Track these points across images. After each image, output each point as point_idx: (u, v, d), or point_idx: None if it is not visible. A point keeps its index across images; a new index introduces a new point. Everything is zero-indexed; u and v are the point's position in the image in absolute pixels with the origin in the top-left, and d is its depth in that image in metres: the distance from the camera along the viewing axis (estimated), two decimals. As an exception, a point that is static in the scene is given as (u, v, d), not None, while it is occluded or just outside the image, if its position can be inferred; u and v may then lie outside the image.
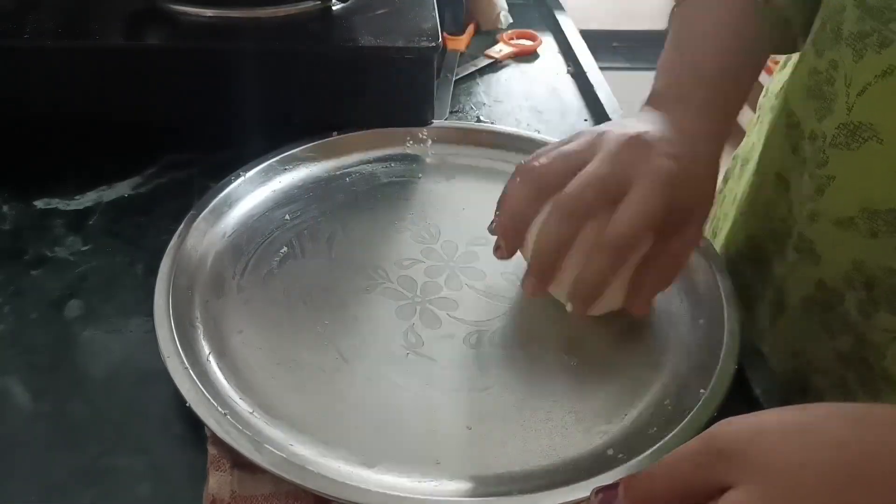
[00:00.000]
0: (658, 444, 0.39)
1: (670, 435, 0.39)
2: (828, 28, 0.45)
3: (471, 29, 0.82)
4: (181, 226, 0.50)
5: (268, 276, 0.49)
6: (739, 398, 0.43)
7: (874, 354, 0.44)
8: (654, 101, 0.48)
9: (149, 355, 0.42)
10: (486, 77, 0.75)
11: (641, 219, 0.40)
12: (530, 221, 0.43)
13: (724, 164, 0.62)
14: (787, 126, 0.50)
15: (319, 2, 0.61)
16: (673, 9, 0.52)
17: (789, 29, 0.50)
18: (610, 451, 0.40)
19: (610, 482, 0.32)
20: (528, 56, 0.80)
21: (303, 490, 0.36)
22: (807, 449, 0.27)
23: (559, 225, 0.42)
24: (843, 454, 0.27)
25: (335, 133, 0.59)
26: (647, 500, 0.30)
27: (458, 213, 0.55)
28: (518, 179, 0.44)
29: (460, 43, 0.79)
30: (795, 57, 0.53)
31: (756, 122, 0.61)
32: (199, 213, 0.51)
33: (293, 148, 0.58)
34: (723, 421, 0.29)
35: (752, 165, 0.56)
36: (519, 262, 0.46)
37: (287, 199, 0.55)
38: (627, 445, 0.40)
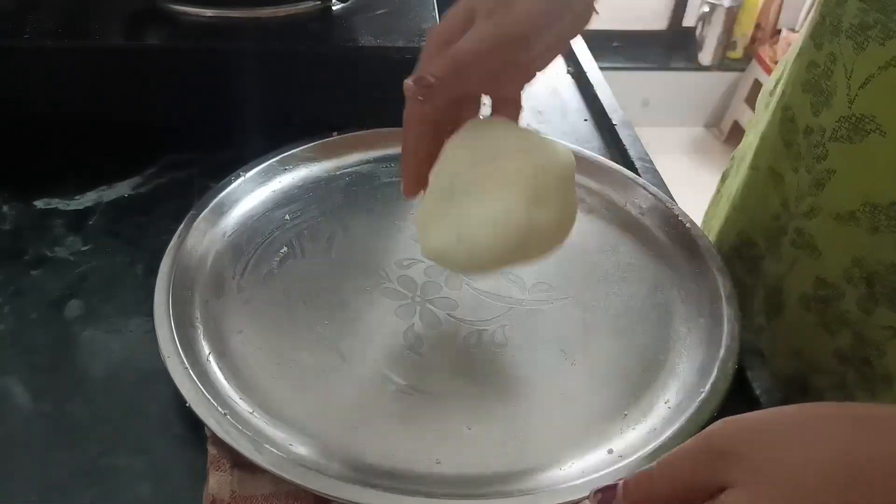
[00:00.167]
0: (657, 444, 0.39)
1: (670, 434, 0.39)
2: (827, 21, 0.44)
3: (471, 29, 0.82)
4: (181, 226, 0.50)
5: (268, 276, 0.49)
6: (739, 398, 0.43)
7: (874, 352, 0.44)
8: None
9: (149, 355, 0.42)
10: (486, 77, 0.75)
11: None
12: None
13: (723, 165, 0.63)
14: (782, 121, 0.50)
15: (319, 2, 0.61)
16: None
17: None
18: (610, 451, 0.40)
19: (609, 482, 0.32)
20: (528, 56, 0.79)
21: (303, 490, 0.36)
22: (806, 448, 0.27)
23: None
24: (842, 454, 0.27)
25: (335, 133, 0.59)
26: (646, 500, 0.30)
27: (458, 213, 0.55)
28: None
29: (460, 43, 0.79)
30: (791, 55, 0.52)
31: (755, 122, 0.61)
32: (199, 213, 0.51)
33: (293, 148, 0.58)
34: (721, 420, 0.29)
35: (746, 162, 0.55)
36: None
37: (287, 200, 0.55)
38: (627, 445, 0.40)
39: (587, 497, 0.35)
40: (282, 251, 0.51)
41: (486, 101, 0.48)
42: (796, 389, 0.49)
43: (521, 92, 0.46)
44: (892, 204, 0.40)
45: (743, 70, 2.38)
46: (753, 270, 0.53)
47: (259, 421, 0.40)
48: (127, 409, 0.42)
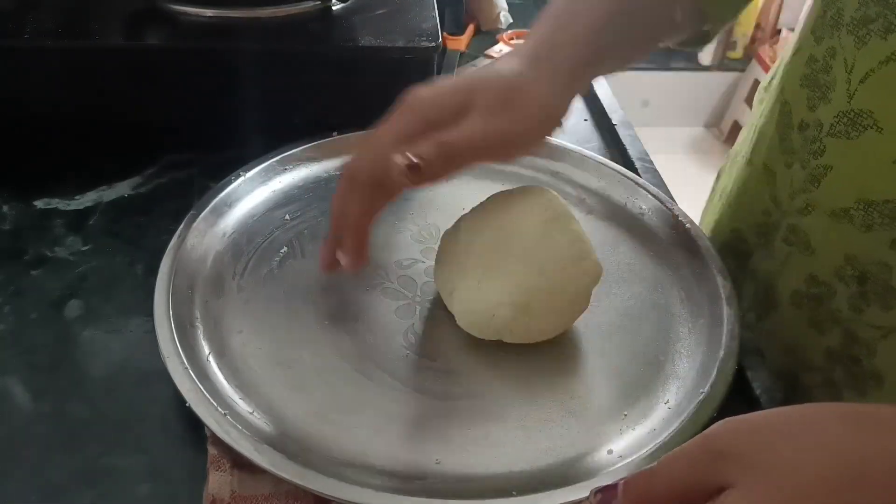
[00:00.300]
0: (657, 444, 0.39)
1: (670, 435, 0.39)
2: (828, 15, 0.44)
3: (471, 29, 0.82)
4: (181, 226, 0.50)
5: (268, 276, 0.49)
6: (739, 398, 0.43)
7: (863, 351, 0.44)
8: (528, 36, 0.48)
9: (149, 355, 0.42)
10: (486, 77, 0.75)
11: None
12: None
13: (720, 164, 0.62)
14: (779, 115, 0.49)
15: (319, 2, 0.61)
16: None
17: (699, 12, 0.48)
18: (610, 451, 0.40)
19: (609, 482, 0.32)
20: (528, 56, 0.79)
21: (302, 490, 0.36)
22: (804, 449, 0.27)
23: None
24: (840, 454, 0.27)
25: (335, 133, 0.59)
26: (645, 500, 0.30)
27: (458, 214, 0.55)
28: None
29: (460, 43, 0.79)
30: (789, 50, 0.52)
31: (750, 122, 0.60)
32: (199, 213, 0.51)
33: (293, 148, 0.58)
34: (721, 421, 0.29)
35: (741, 158, 0.55)
36: None
37: (287, 200, 0.55)
38: (627, 445, 0.40)
39: (587, 497, 0.35)
40: (282, 251, 0.51)
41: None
42: (787, 386, 0.49)
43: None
44: (887, 201, 0.40)
45: (743, 70, 2.38)
46: (742, 267, 0.53)
47: (259, 421, 0.40)
48: (127, 409, 0.42)
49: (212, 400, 0.39)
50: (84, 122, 0.59)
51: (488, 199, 0.46)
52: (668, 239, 0.53)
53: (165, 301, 0.44)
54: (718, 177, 0.62)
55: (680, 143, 2.45)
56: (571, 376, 0.44)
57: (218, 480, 0.37)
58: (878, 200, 0.41)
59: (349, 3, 0.63)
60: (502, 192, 0.46)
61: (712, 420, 0.40)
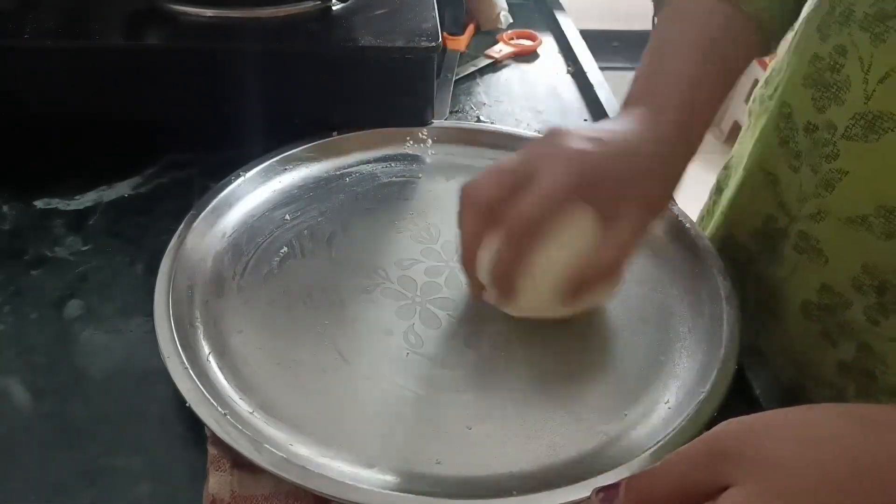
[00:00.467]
0: (658, 444, 0.39)
1: (670, 434, 0.39)
2: (836, 11, 0.42)
3: (471, 29, 0.82)
4: (181, 226, 0.50)
5: (268, 276, 0.49)
6: (739, 398, 0.43)
7: (879, 366, 0.42)
8: (624, 106, 0.47)
9: (149, 355, 0.42)
10: (486, 77, 0.75)
11: (543, 199, 0.39)
12: (482, 244, 0.42)
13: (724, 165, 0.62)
14: (778, 118, 0.48)
15: (319, 2, 0.61)
16: (654, 15, 0.52)
17: (762, 30, 0.47)
18: (610, 451, 0.40)
19: (610, 482, 0.32)
20: (528, 56, 0.80)
21: (303, 490, 0.36)
22: (808, 448, 0.27)
23: (472, 223, 0.41)
24: (844, 454, 0.27)
25: (335, 133, 0.59)
26: (647, 500, 0.30)
27: (458, 213, 0.55)
28: (465, 212, 0.43)
29: (460, 43, 0.79)
30: (785, 50, 0.51)
31: (747, 129, 0.59)
32: (199, 213, 0.51)
33: (293, 148, 0.58)
34: (725, 422, 0.29)
35: (740, 167, 0.54)
36: None
37: (287, 200, 0.55)
38: (627, 445, 0.40)
39: (588, 497, 0.35)
40: (282, 251, 0.51)
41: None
42: (792, 398, 0.48)
43: None
44: None
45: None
46: (743, 276, 0.51)
47: (259, 421, 0.40)
48: (127, 409, 0.42)
49: (212, 400, 0.39)
50: (84, 122, 0.59)
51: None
52: (668, 239, 0.53)
53: (165, 301, 0.44)
54: (719, 190, 0.61)
55: (680, 143, 2.44)
56: (572, 376, 0.44)
57: (218, 480, 0.37)
58: None
59: (349, 3, 0.63)
60: None
61: (713, 420, 0.40)
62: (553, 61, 0.79)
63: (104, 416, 0.41)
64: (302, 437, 0.39)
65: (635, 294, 0.50)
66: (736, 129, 2.37)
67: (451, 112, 0.68)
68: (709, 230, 0.58)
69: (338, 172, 0.58)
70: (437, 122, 0.62)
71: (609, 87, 0.72)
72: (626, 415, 0.42)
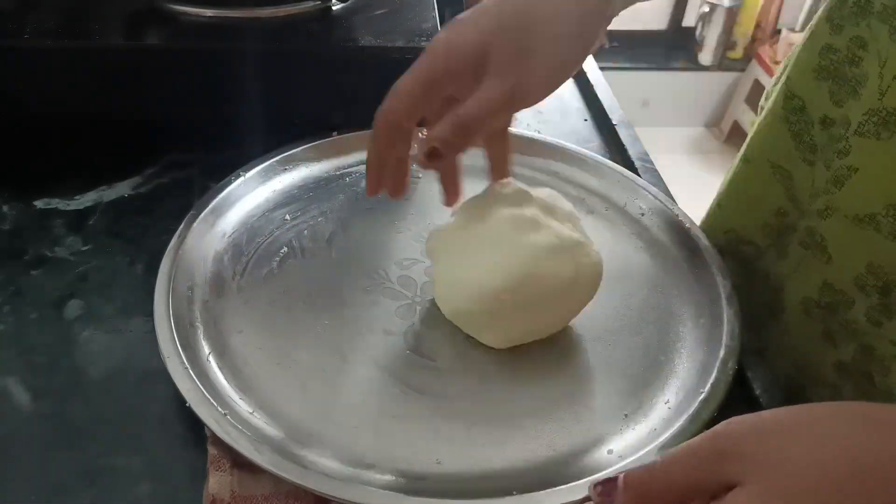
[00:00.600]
0: (658, 444, 0.39)
1: (670, 434, 0.39)
2: (850, 2, 0.40)
3: (471, 29, 0.82)
4: (181, 226, 0.50)
5: (268, 276, 0.49)
6: (739, 398, 0.43)
7: (878, 368, 0.42)
8: None
9: (149, 355, 0.42)
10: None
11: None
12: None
13: (724, 165, 0.62)
14: (787, 110, 0.46)
15: (319, 2, 0.61)
16: None
17: None
18: (610, 451, 0.40)
19: (609, 476, 0.31)
20: (528, 56, 0.79)
21: (303, 490, 0.36)
22: (811, 446, 0.27)
23: (385, 134, 0.43)
24: (847, 453, 0.27)
25: (335, 133, 0.59)
26: (646, 495, 0.30)
27: (458, 213, 0.55)
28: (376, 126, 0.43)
29: (460, 43, 0.79)
30: (798, 42, 0.51)
31: (758, 124, 0.59)
32: (199, 213, 0.51)
33: (293, 148, 0.58)
34: (729, 420, 0.29)
35: (739, 155, 0.52)
36: None
37: (287, 200, 0.55)
38: (627, 445, 0.40)
39: (587, 494, 0.35)
40: (282, 251, 0.51)
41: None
42: (792, 398, 0.48)
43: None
44: None
45: (743, 70, 2.38)
46: (744, 270, 0.51)
47: (259, 421, 0.40)
48: (127, 409, 0.42)
49: (212, 400, 0.39)
50: (84, 122, 0.59)
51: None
52: (667, 239, 0.53)
53: (165, 301, 0.44)
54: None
55: (680, 143, 2.45)
56: (572, 376, 0.44)
57: (218, 480, 0.37)
58: None
59: (349, 3, 0.63)
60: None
61: (713, 419, 0.40)
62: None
63: (104, 416, 0.41)
64: (302, 437, 0.39)
65: (635, 294, 0.50)
66: (735, 128, 2.38)
67: (451, 112, 0.68)
68: (709, 223, 0.57)
69: (338, 172, 0.58)
70: (437, 122, 0.62)
71: (609, 87, 0.72)
72: (626, 415, 0.42)
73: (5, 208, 0.54)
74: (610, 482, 0.31)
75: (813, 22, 0.45)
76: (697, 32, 2.39)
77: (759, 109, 0.57)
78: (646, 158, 0.63)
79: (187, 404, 0.39)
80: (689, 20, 2.41)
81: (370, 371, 0.43)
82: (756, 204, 0.50)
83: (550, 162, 0.60)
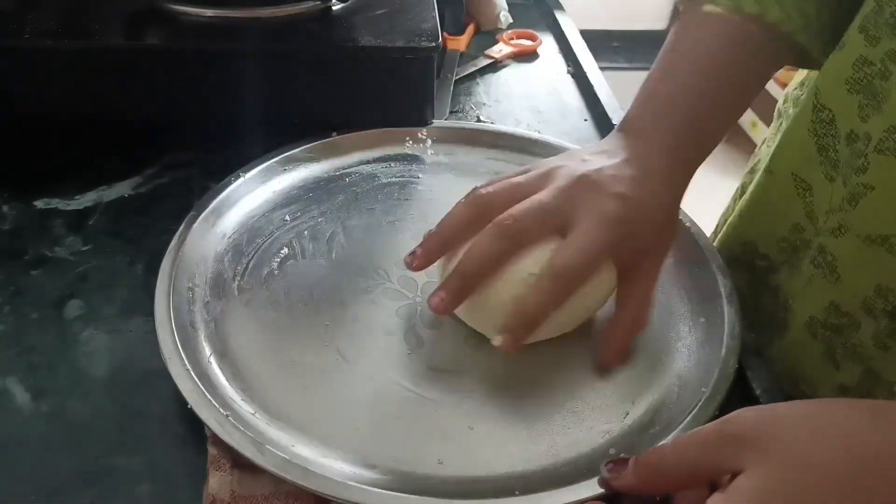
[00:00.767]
0: (659, 443, 0.39)
1: (672, 434, 0.39)
2: (887, 12, 0.38)
3: (471, 29, 0.82)
4: (181, 226, 0.50)
5: (268, 276, 0.49)
6: (740, 397, 0.43)
7: (884, 393, 0.41)
8: (624, 128, 0.46)
9: (149, 355, 0.42)
10: (486, 77, 0.75)
11: (585, 253, 0.39)
12: (462, 240, 0.42)
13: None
14: (815, 122, 0.44)
15: (319, 2, 0.61)
16: (679, 14, 0.48)
17: (794, 43, 0.45)
18: (612, 451, 0.40)
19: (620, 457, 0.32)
20: (528, 56, 0.80)
21: (303, 490, 0.36)
22: (817, 437, 0.27)
23: (492, 242, 0.40)
24: (854, 444, 0.27)
25: (335, 133, 0.59)
26: (655, 477, 0.31)
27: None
28: (464, 201, 0.43)
29: (460, 43, 0.79)
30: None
31: (777, 131, 0.56)
32: (200, 214, 0.51)
33: (293, 148, 0.58)
34: (740, 409, 0.30)
35: (762, 166, 0.51)
36: None
37: (287, 200, 0.55)
38: (629, 444, 0.40)
39: (588, 498, 0.35)
40: (282, 252, 0.51)
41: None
42: (790, 397, 0.48)
43: None
44: None
45: (743, 70, 2.38)
46: (755, 284, 0.50)
47: (260, 422, 0.40)
48: (127, 409, 0.42)
49: (214, 402, 0.39)
50: (84, 122, 0.59)
51: None
52: (668, 239, 0.53)
53: (166, 302, 0.44)
54: (743, 191, 0.58)
55: (680, 144, 2.45)
56: (573, 376, 0.44)
57: (218, 480, 0.37)
58: None
59: (349, 3, 0.63)
60: None
61: (714, 418, 0.40)
62: (553, 61, 0.79)
63: (104, 416, 0.41)
64: (303, 437, 0.39)
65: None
66: (736, 129, 2.38)
67: (451, 112, 0.68)
68: (727, 233, 0.56)
69: (338, 173, 0.58)
70: (436, 122, 0.62)
71: (609, 87, 0.72)
72: (627, 414, 0.42)
73: (5, 208, 0.54)
74: (620, 463, 0.31)
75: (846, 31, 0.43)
76: (697, 32, 2.39)
77: (776, 113, 0.56)
78: (646, 158, 0.63)
79: (189, 405, 0.39)
80: (688, 20, 2.41)
81: (371, 371, 0.43)
82: (775, 217, 0.49)
83: (551, 162, 0.60)
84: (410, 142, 0.61)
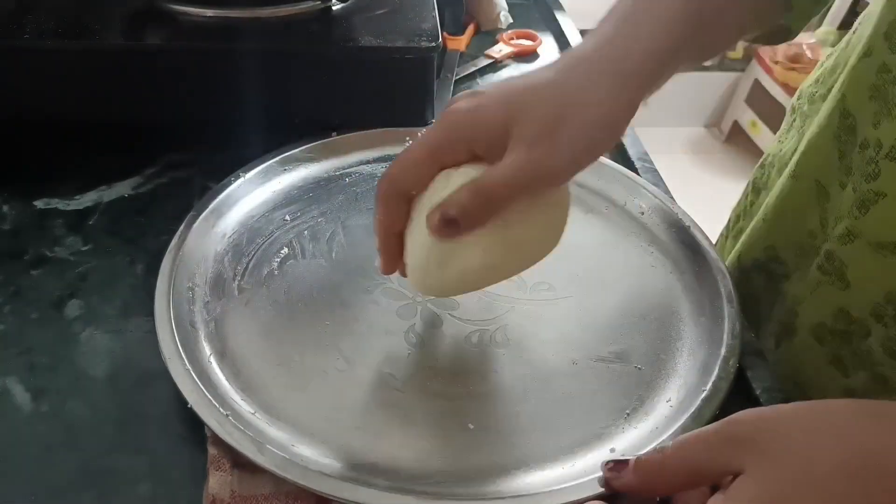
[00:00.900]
0: (660, 442, 0.39)
1: (672, 433, 0.39)
2: None
3: (471, 29, 0.82)
4: (181, 226, 0.50)
5: (268, 276, 0.49)
6: (740, 397, 0.43)
7: (891, 398, 0.41)
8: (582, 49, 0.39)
9: (149, 355, 0.42)
10: (486, 77, 0.75)
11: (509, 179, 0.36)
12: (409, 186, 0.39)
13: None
14: (840, 128, 0.44)
15: (319, 2, 0.61)
16: None
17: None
18: (612, 450, 0.40)
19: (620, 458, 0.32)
20: (528, 56, 0.80)
21: (304, 490, 0.36)
22: (818, 438, 0.27)
23: (389, 208, 0.38)
24: (854, 444, 0.27)
25: (335, 133, 0.59)
26: (656, 477, 0.31)
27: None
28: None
29: (460, 43, 0.79)
30: (854, 52, 0.49)
31: (790, 127, 0.55)
32: (200, 214, 0.51)
33: (293, 148, 0.58)
34: (741, 411, 0.30)
35: (785, 170, 0.50)
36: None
37: (287, 200, 0.55)
38: (629, 444, 0.40)
39: (588, 498, 0.35)
40: (282, 252, 0.51)
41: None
42: (794, 399, 0.48)
43: None
44: None
45: (743, 70, 2.38)
46: (773, 290, 0.50)
47: (261, 422, 0.40)
48: (127, 409, 0.42)
49: (214, 402, 0.39)
50: (84, 122, 0.59)
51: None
52: (668, 238, 0.53)
53: (166, 302, 0.44)
54: (756, 190, 0.57)
55: (680, 143, 2.45)
56: (572, 375, 0.44)
57: (218, 480, 0.37)
58: None
59: (349, 3, 0.63)
60: None
61: (714, 417, 0.40)
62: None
63: (104, 417, 0.41)
64: (304, 437, 0.39)
65: (636, 293, 0.49)
66: (735, 128, 2.38)
67: (451, 112, 0.68)
68: (751, 236, 0.55)
69: (338, 173, 0.58)
70: (437, 122, 0.62)
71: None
72: (627, 414, 0.42)
73: (5, 208, 0.54)
74: (621, 463, 0.31)
75: (869, 36, 0.42)
76: (697, 32, 2.39)
77: (789, 109, 0.55)
78: (646, 158, 0.63)
79: (189, 405, 0.39)
80: (688, 20, 2.41)
81: (371, 371, 0.43)
82: (796, 222, 0.48)
83: (551, 162, 0.60)
84: (410, 142, 0.61)
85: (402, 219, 0.40)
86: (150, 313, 0.44)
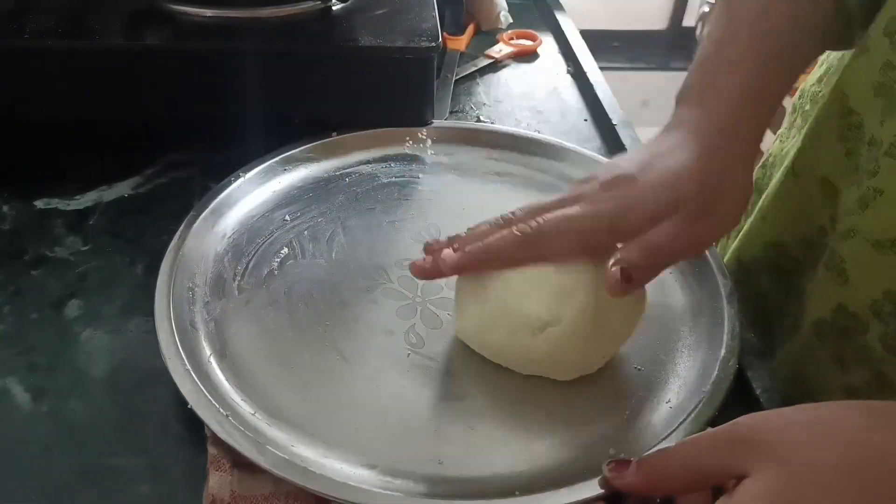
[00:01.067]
0: (659, 443, 0.39)
1: (671, 433, 0.39)
2: None
3: (471, 29, 0.82)
4: (181, 226, 0.50)
5: (268, 276, 0.49)
6: (740, 398, 0.43)
7: (892, 396, 0.41)
8: (682, 99, 0.43)
9: (149, 355, 0.42)
10: (486, 77, 0.75)
11: (667, 254, 0.39)
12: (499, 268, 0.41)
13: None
14: (844, 127, 0.44)
15: (319, 2, 0.61)
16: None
17: (850, 22, 0.43)
18: (612, 451, 0.40)
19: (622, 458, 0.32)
20: (528, 56, 0.80)
21: (303, 490, 0.36)
22: (823, 441, 0.27)
23: (510, 246, 0.40)
24: (860, 444, 0.27)
25: (335, 133, 0.59)
26: (659, 478, 0.30)
27: (458, 213, 0.55)
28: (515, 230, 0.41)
29: (460, 43, 0.79)
30: (835, 54, 0.48)
31: (791, 126, 0.55)
32: (200, 214, 0.51)
33: (293, 148, 0.58)
34: (747, 415, 0.30)
35: (784, 168, 0.50)
36: None
37: (287, 200, 0.55)
38: (629, 444, 0.40)
39: (590, 498, 0.35)
40: (282, 252, 0.51)
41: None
42: (794, 399, 0.47)
43: None
44: None
45: (743, 70, 2.38)
46: (785, 286, 0.50)
47: (261, 422, 0.40)
48: (127, 409, 0.42)
49: (214, 402, 0.39)
50: (84, 122, 0.59)
51: None
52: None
53: (166, 302, 0.44)
54: (757, 187, 0.57)
55: (680, 144, 2.45)
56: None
57: (218, 480, 0.37)
58: None
59: (349, 3, 0.63)
60: None
61: (714, 418, 0.40)
62: (553, 61, 0.79)
63: (104, 416, 0.41)
64: (303, 437, 0.39)
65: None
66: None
67: (451, 112, 0.68)
68: (748, 233, 0.55)
69: (338, 173, 0.58)
70: (436, 122, 0.62)
71: (609, 87, 0.72)
72: (627, 414, 0.42)
73: (5, 208, 0.54)
74: (623, 463, 0.31)
75: (870, 33, 0.42)
76: (697, 32, 2.39)
77: (790, 108, 0.55)
78: (646, 158, 0.63)
79: (189, 406, 0.39)
80: (689, 20, 2.41)
81: (371, 371, 0.43)
82: (801, 219, 0.48)
83: (551, 162, 0.60)
84: (410, 142, 0.61)
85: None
86: (150, 313, 0.44)
